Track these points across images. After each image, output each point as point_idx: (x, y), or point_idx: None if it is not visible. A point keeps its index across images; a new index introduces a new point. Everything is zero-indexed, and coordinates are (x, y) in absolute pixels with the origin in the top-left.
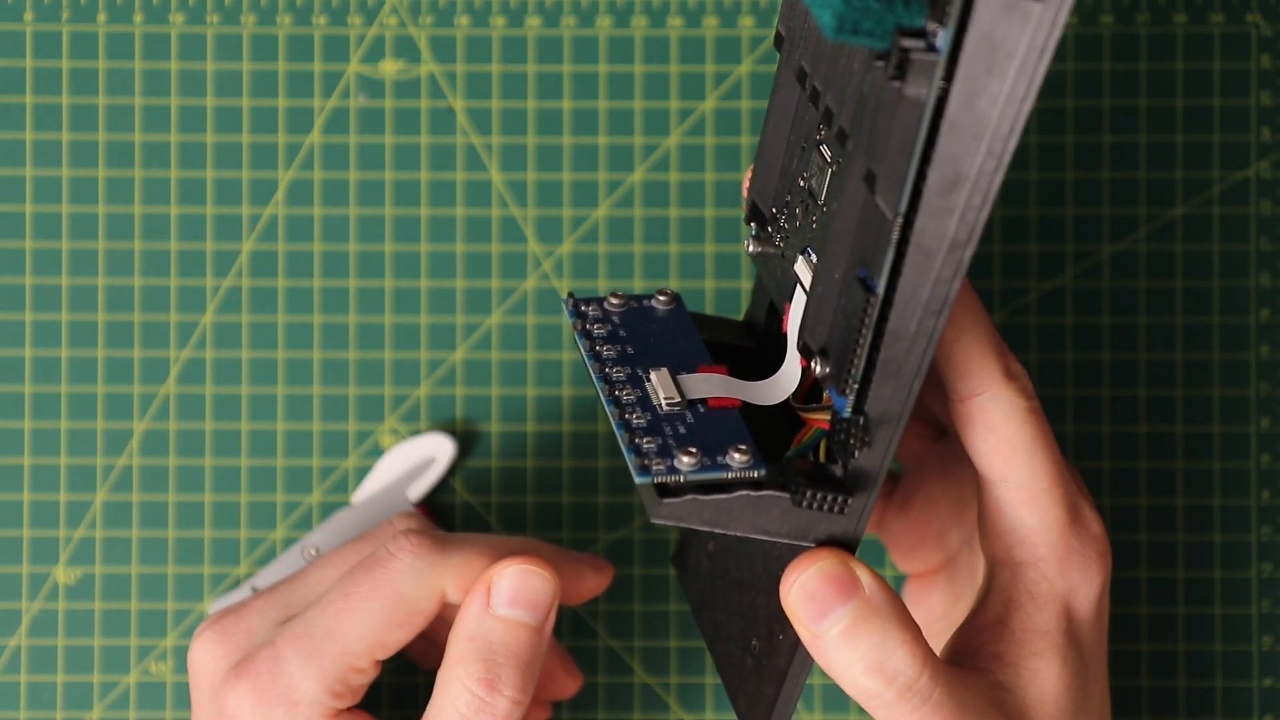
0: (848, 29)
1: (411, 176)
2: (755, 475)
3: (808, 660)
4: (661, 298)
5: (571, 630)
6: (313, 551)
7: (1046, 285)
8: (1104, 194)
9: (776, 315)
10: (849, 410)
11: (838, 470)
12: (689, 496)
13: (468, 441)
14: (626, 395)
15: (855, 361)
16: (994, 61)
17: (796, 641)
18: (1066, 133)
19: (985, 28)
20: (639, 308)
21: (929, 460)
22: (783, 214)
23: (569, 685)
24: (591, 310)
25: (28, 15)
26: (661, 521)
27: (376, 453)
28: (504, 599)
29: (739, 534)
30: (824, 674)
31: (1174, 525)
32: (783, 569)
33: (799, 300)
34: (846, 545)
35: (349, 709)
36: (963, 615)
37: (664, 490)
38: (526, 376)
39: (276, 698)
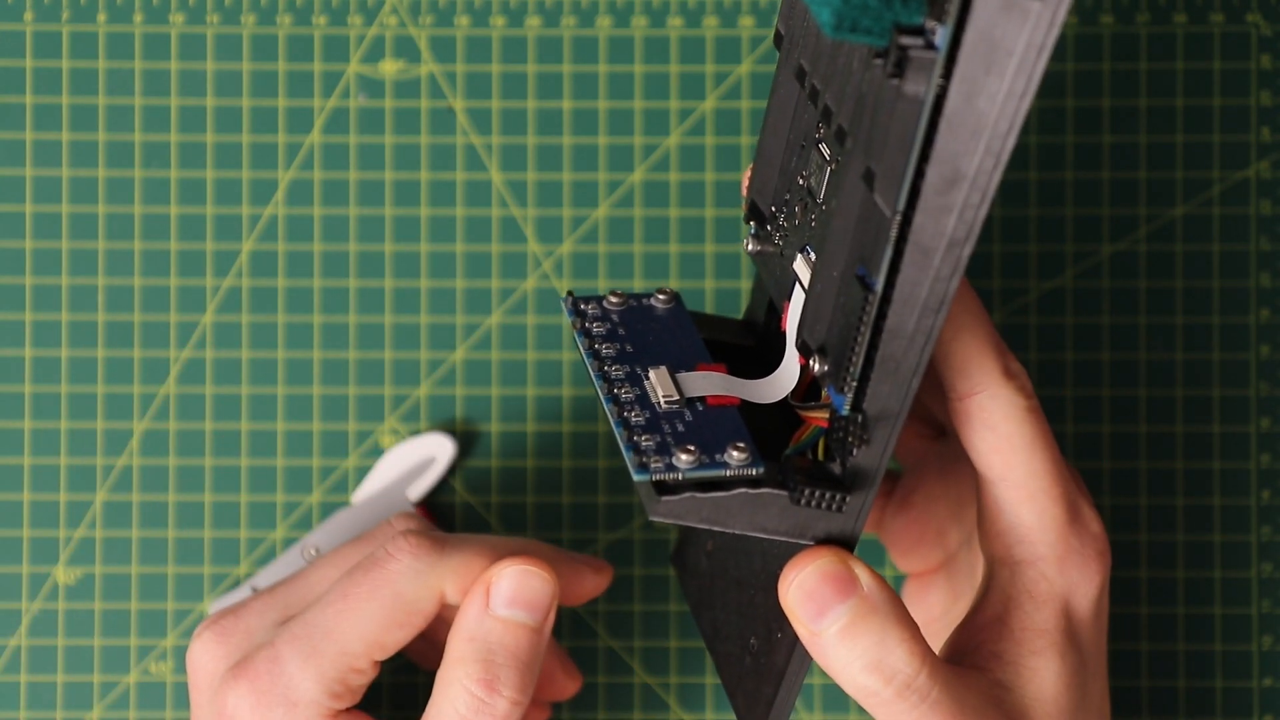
0: (846, 26)
1: (411, 176)
2: (753, 473)
3: (806, 659)
4: (661, 296)
5: (571, 630)
6: (313, 551)
7: (1046, 285)
8: (1104, 194)
9: (775, 314)
10: (847, 408)
11: (836, 468)
12: (687, 494)
13: (468, 441)
14: (625, 393)
15: (854, 359)
16: (992, 60)
17: (795, 640)
18: (1066, 133)
19: (984, 26)
20: (638, 306)
21: (928, 459)
22: (782, 212)
23: (568, 686)
24: (590, 309)
25: (28, 15)
26: (660, 519)
27: (376, 453)
28: (503, 599)
29: (737, 532)
30: (824, 673)
31: (1174, 525)
32: (781, 567)
33: (798, 298)
34: (845, 543)
35: (348, 709)
36: (962, 614)
37: (662, 488)
38: (526, 376)
39: (275, 698)
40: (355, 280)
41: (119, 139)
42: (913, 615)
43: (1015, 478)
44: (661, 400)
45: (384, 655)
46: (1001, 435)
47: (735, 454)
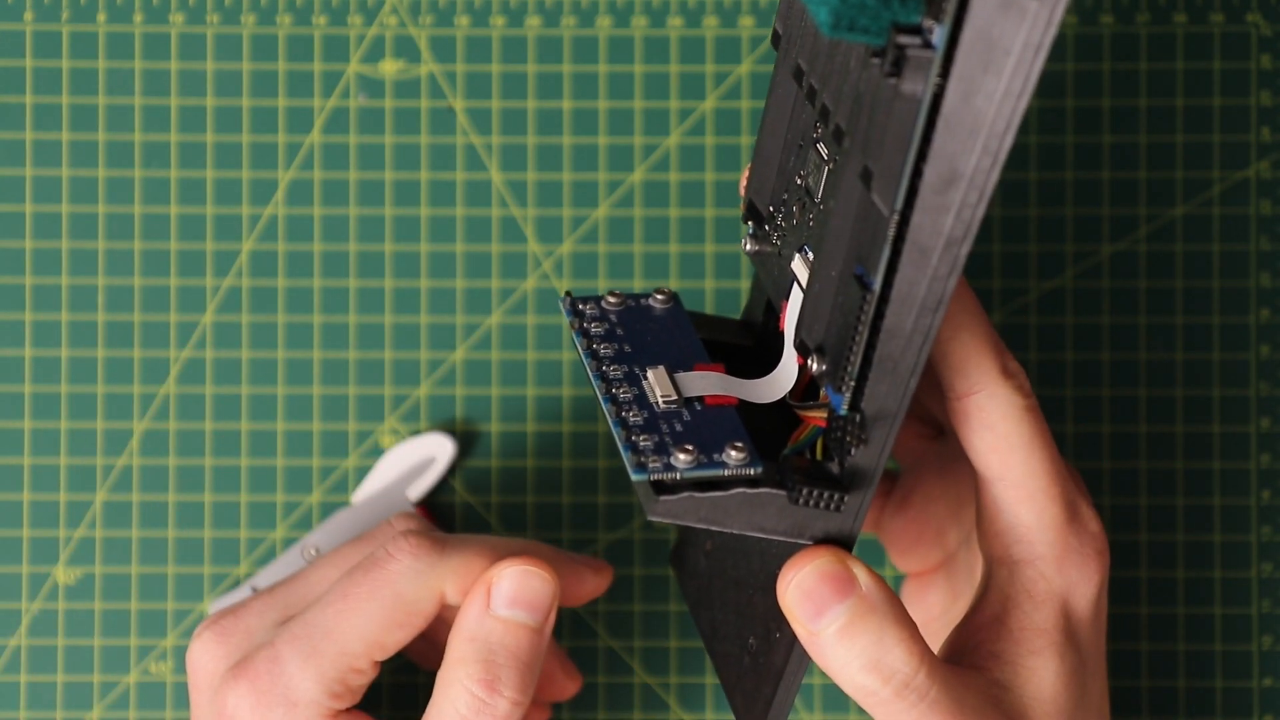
0: (844, 25)
1: (411, 176)
2: (752, 473)
3: (805, 658)
4: (659, 296)
5: (571, 630)
6: (313, 551)
7: (1046, 285)
8: (1104, 194)
9: (774, 314)
10: (845, 408)
11: (834, 468)
12: (685, 494)
13: (468, 441)
14: (623, 393)
15: (851, 359)
16: (990, 59)
17: (793, 640)
18: (1066, 133)
19: (981, 25)
20: (636, 307)
21: (927, 459)
22: (780, 212)
23: (568, 687)
24: (589, 309)
25: (28, 15)
26: (658, 519)
27: (376, 453)
28: (504, 600)
29: (735, 531)
30: (823, 673)
31: (1174, 525)
32: (780, 567)
33: (796, 298)
34: (843, 543)
35: (348, 709)
36: (961, 614)
37: (660, 488)
38: (526, 376)
39: (275, 698)
40: (355, 280)
41: (119, 139)
42: (912, 615)
43: (1013, 477)
44: (659, 400)
45: (384, 655)
46: (1000, 434)
47: (733, 454)
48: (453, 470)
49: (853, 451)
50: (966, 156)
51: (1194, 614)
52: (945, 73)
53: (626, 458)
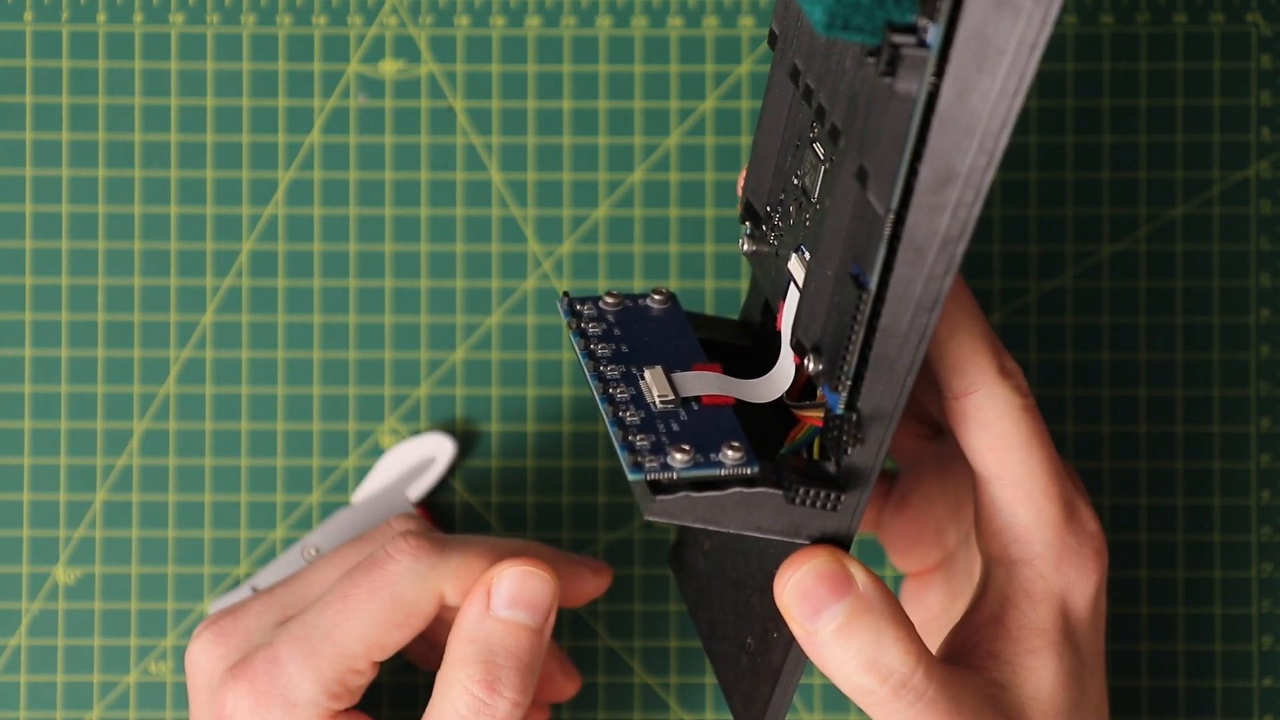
0: (839, 25)
1: (411, 176)
2: (748, 472)
3: (802, 658)
4: (656, 296)
5: (571, 630)
6: (313, 551)
7: (1046, 285)
8: (1104, 194)
9: (771, 314)
10: (842, 407)
11: (831, 467)
12: (682, 493)
13: (468, 441)
14: (620, 393)
15: (848, 358)
16: (985, 57)
17: (791, 639)
18: (1066, 133)
19: (976, 24)
20: (634, 307)
21: (925, 459)
22: (777, 212)
23: (568, 687)
24: (586, 309)
25: (28, 15)
26: (655, 518)
27: (376, 453)
28: (504, 600)
29: (732, 531)
30: (823, 673)
31: (1174, 525)
32: (777, 567)
33: (792, 297)
34: (840, 542)
35: (347, 710)
36: (960, 614)
37: (657, 487)
38: (526, 376)
39: (274, 699)
40: (355, 280)
41: (119, 139)
42: (911, 615)
43: (1011, 476)
44: (657, 400)
45: (383, 656)
46: (997, 434)
47: (730, 453)
48: (453, 470)
49: (849, 451)
50: (962, 155)
51: (1194, 614)
52: (940, 72)
53: (623, 457)
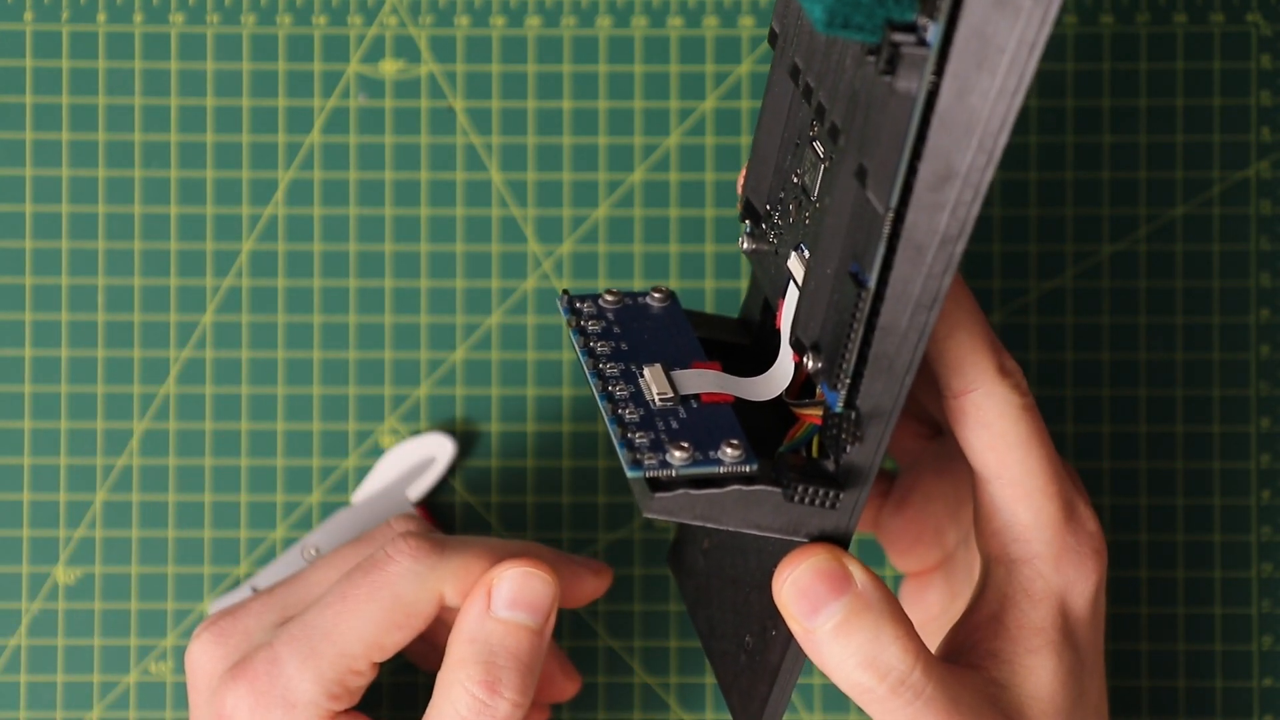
0: (838, 23)
1: (411, 176)
2: (747, 470)
3: (801, 656)
4: (656, 295)
5: (571, 630)
6: (313, 551)
7: (1046, 285)
8: (1104, 194)
9: (771, 312)
10: (841, 405)
11: (830, 465)
12: (681, 491)
13: (468, 441)
14: (620, 391)
15: (847, 356)
16: (985, 56)
17: (789, 637)
18: (1066, 133)
19: (976, 23)
20: (634, 305)
21: (925, 458)
22: (776, 211)
23: (567, 688)
24: (586, 307)
25: (28, 15)
26: (653, 516)
27: (376, 453)
28: (504, 601)
29: (731, 529)
30: (822, 671)
31: (1174, 525)
32: (776, 565)
33: (792, 296)
34: (839, 541)
35: (346, 710)
36: (960, 613)
37: (656, 484)
38: (526, 376)
39: (274, 699)
40: (355, 280)
41: (119, 139)
42: (910, 615)
43: (1010, 476)
44: (656, 398)
45: (383, 657)
46: (996, 433)
47: (729, 451)
48: (453, 470)
49: (848, 449)
50: (961, 154)
51: (1194, 614)
52: (940, 70)
53: (622, 455)
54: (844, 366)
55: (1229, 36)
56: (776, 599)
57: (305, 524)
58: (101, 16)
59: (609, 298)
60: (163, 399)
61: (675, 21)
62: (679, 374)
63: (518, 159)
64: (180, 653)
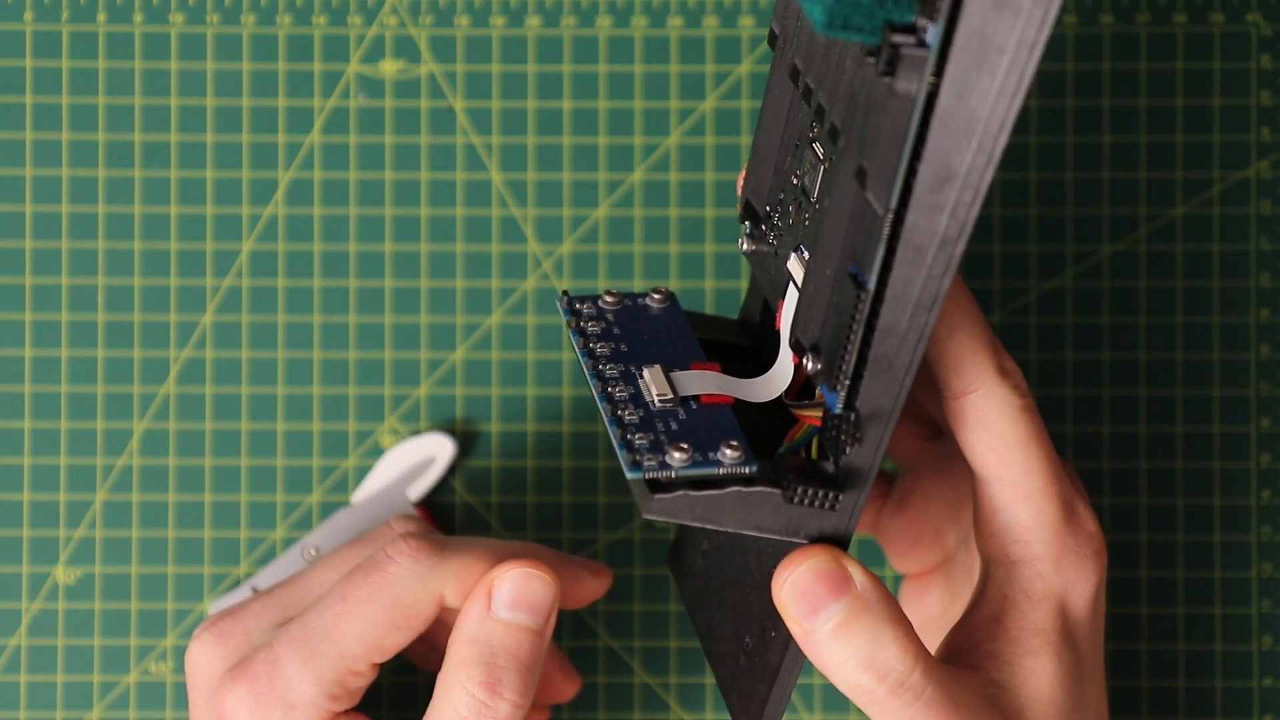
0: (838, 24)
1: (411, 176)
2: (747, 471)
3: (800, 657)
4: (656, 295)
5: (571, 631)
6: (313, 552)
7: (1046, 285)
8: (1104, 194)
9: (771, 313)
10: (840, 406)
11: (829, 467)
12: (680, 492)
13: (468, 441)
14: (619, 392)
15: (846, 357)
16: (984, 57)
17: (789, 638)
18: (1066, 133)
19: (976, 24)
20: (633, 306)
21: (924, 460)
22: (776, 212)
23: (567, 689)
24: (586, 308)
25: (28, 15)
26: (653, 517)
27: (376, 453)
28: (505, 602)
29: (731, 530)
30: (821, 672)
31: (1174, 525)
32: (775, 566)
33: (791, 297)
34: (838, 542)
35: (346, 711)
36: (960, 614)
37: (655, 486)
38: (526, 376)
39: (274, 700)
40: (355, 280)
41: (119, 139)
42: (910, 616)
43: (1010, 477)
44: (655, 399)
45: (383, 658)
46: (996, 434)
47: (729, 452)
48: (453, 470)
49: (848, 450)
50: (961, 155)
51: (1194, 614)
52: (939, 71)
53: (622, 456)
54: (843, 368)
55: (1229, 36)
56: (776, 600)
57: (305, 524)
58: (101, 16)
59: (609, 298)
60: (163, 399)
61: (675, 21)
62: (679, 375)
63: (518, 159)
64: (180, 653)
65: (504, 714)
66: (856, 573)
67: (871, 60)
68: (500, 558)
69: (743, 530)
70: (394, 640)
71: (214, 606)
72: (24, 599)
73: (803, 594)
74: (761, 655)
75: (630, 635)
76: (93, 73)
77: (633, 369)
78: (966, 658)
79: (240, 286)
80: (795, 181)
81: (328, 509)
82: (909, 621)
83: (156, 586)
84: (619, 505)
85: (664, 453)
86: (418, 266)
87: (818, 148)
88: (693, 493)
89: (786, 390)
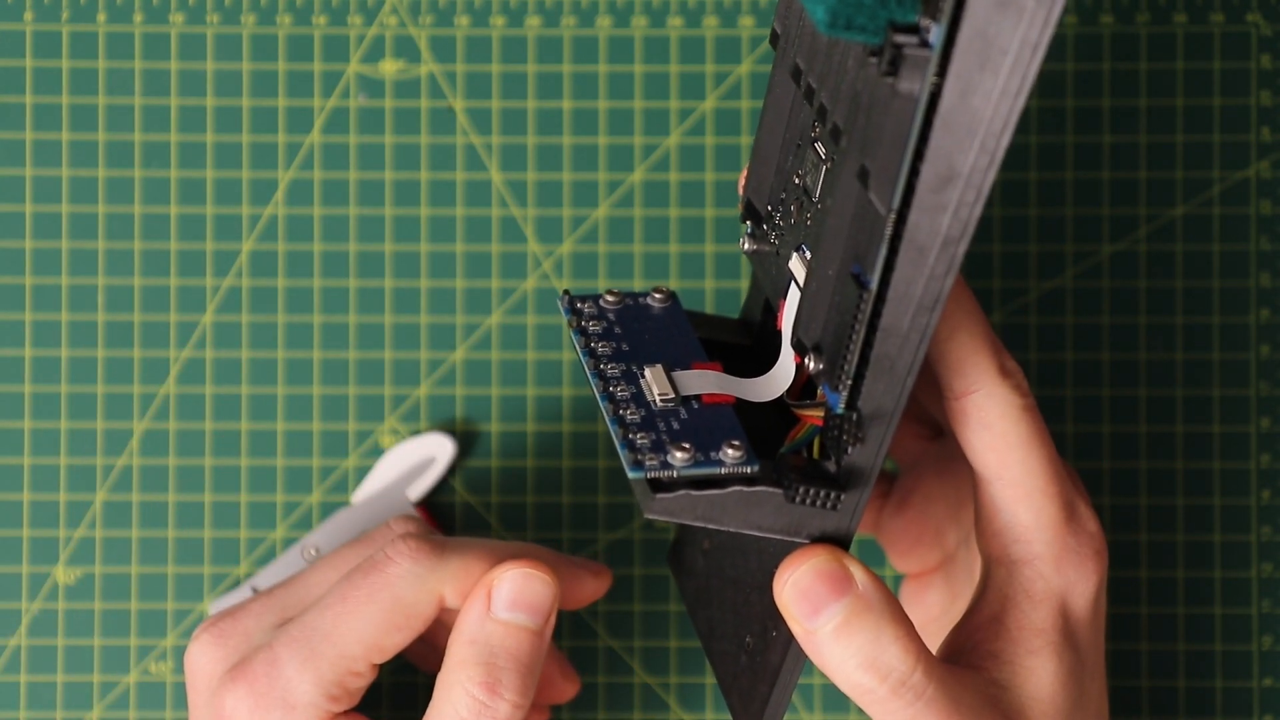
0: (841, 24)
1: (411, 176)
2: (748, 471)
3: (801, 657)
4: (657, 295)
5: (571, 630)
6: (313, 552)
7: (1046, 285)
8: (1104, 194)
9: (772, 313)
10: (842, 406)
11: (831, 466)
12: (682, 492)
13: (468, 441)
14: (621, 391)
15: (848, 357)
16: (987, 57)
17: (790, 638)
18: (1066, 133)
19: (978, 24)
20: (634, 305)
21: (925, 459)
22: (778, 211)
23: (567, 689)
24: (587, 308)
25: (28, 15)
26: (654, 517)
27: (376, 453)
28: (505, 602)
29: (732, 530)
30: (822, 672)
31: (1174, 525)
32: (776, 566)
33: (793, 297)
34: (840, 542)
35: (346, 712)
36: (961, 614)
37: (657, 485)
38: (526, 376)
39: (273, 700)
40: (355, 280)
41: (119, 139)
42: (911, 616)
43: (1011, 476)
44: (657, 398)
45: (383, 658)
46: (997, 434)
47: (730, 452)
48: (453, 470)
49: (849, 450)
50: (964, 155)
51: (1194, 614)
52: (942, 72)
53: (623, 455)
54: (845, 368)
55: (1229, 36)
56: (777, 600)
57: (305, 524)
58: (101, 16)
59: (610, 298)
60: (163, 399)
61: (675, 21)
62: (680, 374)
63: (518, 159)
64: (180, 653)
65: (504, 714)
66: (858, 572)
67: (874, 60)
68: (500, 558)
69: (744, 530)
70: (394, 641)
71: (214, 606)
72: (24, 599)
73: (804, 594)
74: (762, 655)
75: (630, 635)
76: (93, 73)
77: (634, 368)
78: (967, 658)
79: (240, 286)
80: (797, 181)
81: (328, 509)
82: (910, 621)
83: (156, 586)
84: (619, 505)
85: (666, 452)
86: (418, 266)
87: (820, 147)
88: (694, 492)
89: (788, 390)
